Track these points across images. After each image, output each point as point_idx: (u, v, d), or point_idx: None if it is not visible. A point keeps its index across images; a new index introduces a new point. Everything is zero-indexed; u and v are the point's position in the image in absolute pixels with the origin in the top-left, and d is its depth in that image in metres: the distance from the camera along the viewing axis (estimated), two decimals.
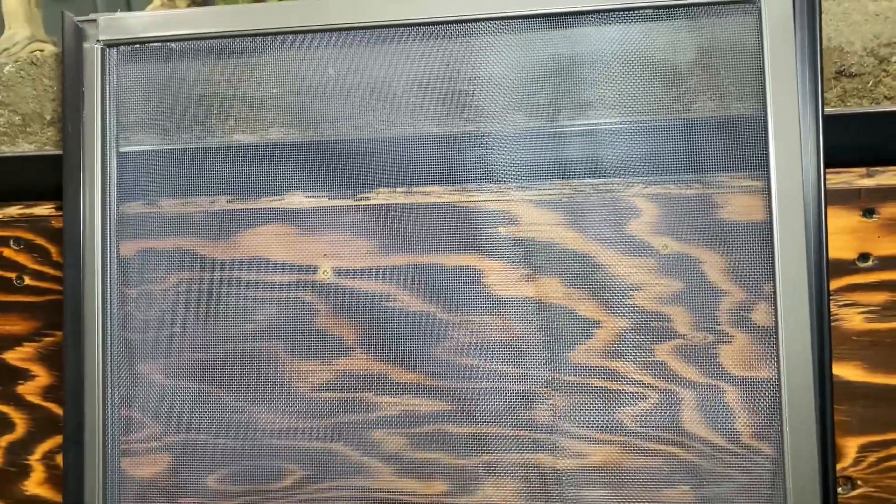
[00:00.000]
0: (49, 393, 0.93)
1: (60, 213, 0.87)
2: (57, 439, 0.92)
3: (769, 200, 0.72)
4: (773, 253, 0.71)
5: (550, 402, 0.78)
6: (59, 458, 0.91)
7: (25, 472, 0.95)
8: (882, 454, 0.81)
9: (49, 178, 0.86)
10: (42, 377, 0.93)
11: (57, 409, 0.91)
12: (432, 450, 0.79)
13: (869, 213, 0.77)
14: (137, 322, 0.83)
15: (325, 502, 0.80)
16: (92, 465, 0.80)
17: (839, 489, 0.79)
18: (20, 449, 0.93)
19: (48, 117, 0.89)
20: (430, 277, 0.79)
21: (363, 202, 0.80)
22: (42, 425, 0.94)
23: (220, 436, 0.81)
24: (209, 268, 0.82)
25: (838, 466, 0.78)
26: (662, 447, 0.76)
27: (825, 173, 0.71)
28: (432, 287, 0.79)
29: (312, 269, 0.81)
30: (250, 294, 0.81)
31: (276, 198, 0.81)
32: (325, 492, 0.80)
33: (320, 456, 0.80)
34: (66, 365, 0.81)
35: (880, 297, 0.78)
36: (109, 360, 0.82)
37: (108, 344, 0.81)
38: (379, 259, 0.80)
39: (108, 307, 0.82)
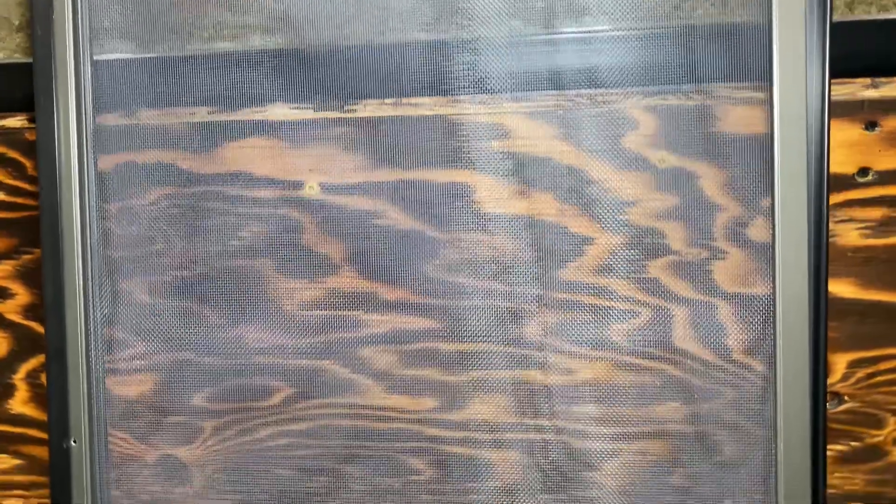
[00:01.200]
0: (30, 311, 0.91)
1: (34, 126, 0.83)
2: (40, 358, 0.90)
3: (771, 112, 0.69)
4: (772, 166, 0.70)
5: (541, 319, 0.77)
6: (44, 377, 0.90)
7: (9, 391, 0.94)
8: (870, 370, 0.81)
9: (20, 87, 0.82)
10: (22, 295, 0.91)
11: (39, 328, 0.90)
12: (422, 367, 0.78)
13: (871, 125, 0.75)
14: (119, 239, 0.80)
15: (315, 419, 0.80)
16: (76, 385, 0.79)
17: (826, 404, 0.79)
18: (3, 368, 0.92)
19: (16, 22, 0.85)
20: (419, 193, 0.77)
21: (350, 114, 0.77)
22: (24, 344, 0.92)
23: (207, 354, 0.80)
24: (191, 182, 0.79)
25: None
26: (654, 364, 0.76)
27: (830, 84, 0.69)
28: (422, 203, 0.77)
29: (298, 185, 0.78)
30: (234, 210, 0.79)
31: (258, 109, 0.78)
32: (314, 409, 0.80)
33: (309, 373, 0.80)
34: (44, 283, 0.79)
35: (877, 213, 0.77)
36: (90, 277, 0.80)
37: (89, 261, 0.79)
38: (367, 174, 0.77)
39: (88, 223, 0.79)
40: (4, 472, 0.95)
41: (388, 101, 0.76)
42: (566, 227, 0.75)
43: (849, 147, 0.75)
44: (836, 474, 0.83)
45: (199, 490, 0.81)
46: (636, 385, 0.76)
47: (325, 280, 0.79)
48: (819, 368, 0.72)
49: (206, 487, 0.81)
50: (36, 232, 0.85)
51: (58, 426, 0.80)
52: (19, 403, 0.94)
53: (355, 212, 0.78)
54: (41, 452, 0.93)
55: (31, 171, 0.87)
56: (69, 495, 0.81)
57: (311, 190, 0.78)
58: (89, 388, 0.80)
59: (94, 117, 0.79)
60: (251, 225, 0.79)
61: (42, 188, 0.79)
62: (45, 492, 0.92)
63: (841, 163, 0.76)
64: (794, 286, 0.71)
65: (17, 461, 0.95)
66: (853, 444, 0.83)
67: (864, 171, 0.76)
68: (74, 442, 0.80)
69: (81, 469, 0.80)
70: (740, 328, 0.74)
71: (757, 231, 0.73)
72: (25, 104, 0.83)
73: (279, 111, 0.78)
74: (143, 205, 0.80)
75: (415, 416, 0.79)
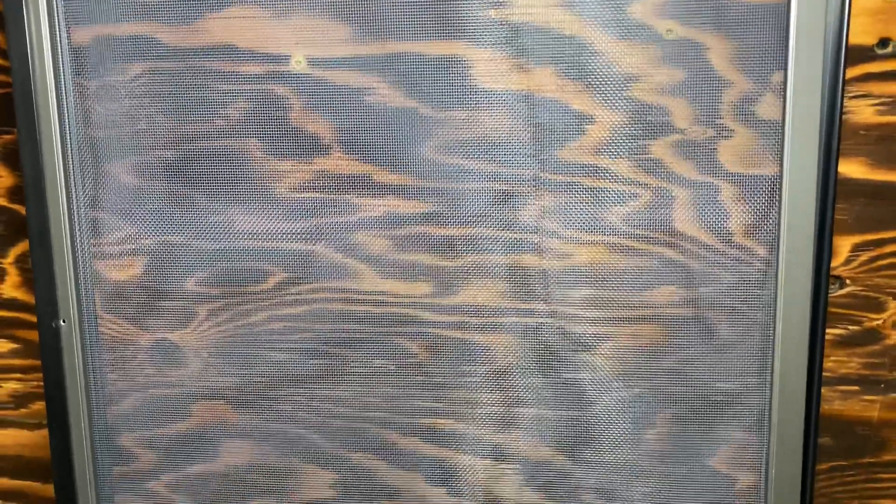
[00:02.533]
0: (15, 194, 0.89)
1: None
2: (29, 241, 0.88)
3: None
4: (787, 37, 0.65)
5: (538, 202, 0.74)
6: None
7: (0, 276, 0.92)
8: (874, 253, 0.79)
9: None
10: (5, 178, 0.89)
11: (25, 211, 0.87)
12: (416, 251, 0.77)
13: None
14: (99, 118, 0.77)
15: (308, 304, 0.79)
16: (62, 266, 0.78)
17: None
18: None
19: None
20: (412, 68, 0.73)
21: None
22: (11, 228, 0.91)
23: (197, 238, 0.78)
24: (172, 57, 0.75)
25: None
26: (653, 247, 0.74)
27: None
28: (415, 79, 0.73)
29: (284, 59, 0.74)
30: (218, 87, 0.75)
31: None
32: (308, 294, 0.79)
33: (301, 258, 0.78)
34: (23, 163, 0.76)
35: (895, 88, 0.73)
36: (70, 158, 0.77)
37: (68, 141, 0.76)
38: (357, 47, 0.73)
39: (64, 101, 0.76)
40: (2, 356, 0.96)
41: None
42: (566, 104, 0.72)
43: (870, 15, 0.71)
44: (832, 357, 0.83)
45: (195, 373, 0.81)
46: (634, 269, 0.75)
47: (314, 161, 0.76)
48: (823, 251, 0.70)
49: (201, 371, 0.81)
50: (12, 111, 0.81)
51: (45, 307, 0.79)
52: (11, 288, 0.93)
53: (345, 88, 0.74)
54: (36, 336, 0.92)
55: (2, 45, 0.83)
56: (61, 376, 0.81)
57: (298, 64, 0.74)
58: (76, 270, 0.79)
59: None
60: (236, 102, 0.75)
61: (13, 63, 0.75)
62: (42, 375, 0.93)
63: (860, 33, 0.71)
64: (802, 166, 0.68)
65: (13, 345, 0.95)
66: (851, 327, 0.82)
67: (884, 42, 0.72)
68: (63, 322, 0.80)
69: (72, 349, 0.80)
70: (744, 210, 0.72)
71: (766, 108, 0.70)
72: None
73: None
74: (123, 81, 0.76)
75: (409, 302, 0.78)
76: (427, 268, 0.77)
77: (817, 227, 0.69)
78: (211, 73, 0.75)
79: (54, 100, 0.75)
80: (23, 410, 0.97)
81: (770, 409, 0.75)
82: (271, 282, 0.79)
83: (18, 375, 0.96)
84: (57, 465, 0.83)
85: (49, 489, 0.98)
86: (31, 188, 0.77)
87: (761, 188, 0.71)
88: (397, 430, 0.81)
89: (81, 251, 0.79)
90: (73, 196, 0.78)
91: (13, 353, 0.96)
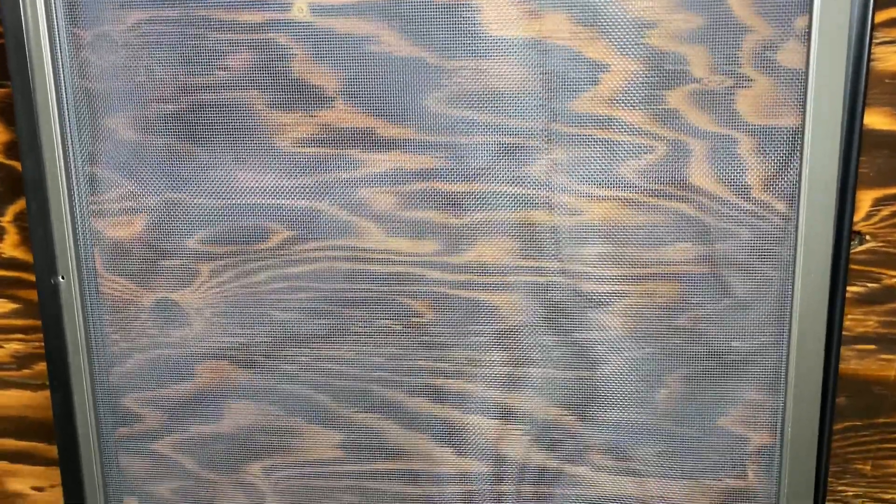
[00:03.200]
0: (11, 150, 0.87)
1: None
2: None
3: None
4: None
5: (550, 155, 0.72)
6: None
7: None
8: None
9: None
10: (1, 133, 0.87)
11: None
12: (423, 208, 0.74)
13: None
14: (95, 70, 0.74)
15: (312, 263, 0.77)
16: (60, 223, 0.76)
17: None
18: None
19: None
20: (419, 15, 0.70)
21: None
22: (9, 185, 0.89)
23: (198, 195, 0.76)
24: (170, 5, 0.72)
25: None
26: (668, 202, 0.72)
27: None
28: (422, 26, 0.70)
29: (286, 6, 0.71)
30: (218, 36, 0.72)
31: None
32: (312, 252, 0.77)
33: (305, 215, 0.76)
34: (17, 116, 0.74)
35: None
36: (66, 112, 0.74)
37: (63, 94, 0.74)
38: None
39: (59, 52, 0.73)
40: (3, 315, 0.94)
41: None
42: (580, 52, 0.69)
43: None
44: (849, 316, 0.81)
45: (198, 333, 0.80)
46: (649, 225, 0.72)
47: (317, 114, 0.73)
48: (846, 206, 0.67)
49: (204, 331, 0.80)
50: (5, 63, 0.79)
51: (44, 263, 0.77)
52: (10, 246, 0.92)
53: (349, 37, 0.71)
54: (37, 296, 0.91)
55: None
56: (62, 334, 0.79)
57: (300, 12, 0.71)
58: (74, 226, 0.77)
59: None
60: (237, 52, 0.72)
61: (4, 12, 0.72)
62: None
63: None
64: (826, 116, 0.65)
65: (14, 305, 0.94)
66: (870, 285, 0.80)
67: None
68: (62, 278, 0.78)
69: (72, 307, 0.78)
70: (763, 163, 0.69)
71: (788, 55, 0.67)
72: None
73: None
74: (119, 31, 0.73)
75: (415, 260, 0.76)
76: (434, 225, 0.75)
77: (840, 181, 0.67)
78: (211, 21, 0.72)
79: (48, 51, 0.73)
80: (25, 371, 0.97)
81: (787, 369, 0.73)
82: (275, 240, 0.77)
83: (20, 336, 0.95)
84: (59, 424, 0.82)
85: (53, 450, 0.97)
86: (26, 143, 0.75)
87: (782, 140, 0.69)
88: (404, 391, 0.79)
89: (80, 208, 0.77)
90: (70, 151, 0.75)
91: (14, 314, 0.95)
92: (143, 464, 0.84)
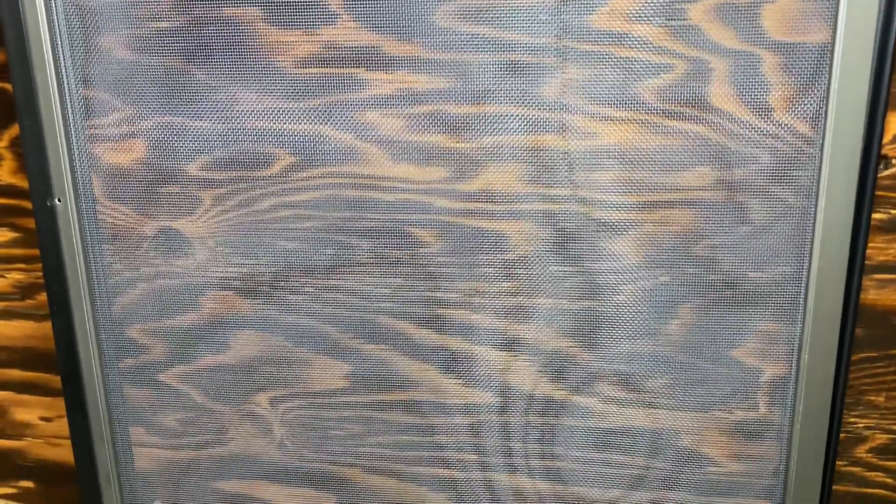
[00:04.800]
0: (4, 72, 0.84)
1: None
2: None
3: None
4: None
5: (563, 74, 0.68)
6: None
7: None
8: None
9: None
10: None
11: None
12: (431, 132, 0.72)
13: None
14: None
15: (317, 189, 0.75)
16: (54, 143, 0.73)
17: None
18: None
19: None
20: None
21: None
22: (3, 109, 0.86)
23: (197, 118, 0.73)
24: None
25: None
26: (687, 124, 0.68)
27: None
28: None
29: None
30: None
31: None
32: (316, 179, 0.74)
33: (309, 140, 0.73)
34: (5, 33, 0.71)
35: None
36: (57, 29, 0.71)
37: (53, 10, 0.71)
38: None
39: None
40: (4, 244, 0.93)
41: None
42: None
43: None
44: (870, 244, 0.78)
45: (201, 263, 0.78)
46: (666, 148, 0.69)
47: (320, 31, 0.70)
48: (875, 128, 0.64)
49: (207, 260, 0.78)
50: None
51: (39, 186, 0.75)
52: (7, 173, 0.90)
53: None
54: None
55: None
56: (60, 260, 0.77)
57: None
58: (69, 149, 0.74)
59: None
60: None
61: None
62: None
63: None
64: (858, 32, 0.62)
65: (14, 234, 0.93)
66: (893, 212, 0.77)
67: None
68: (59, 200, 0.76)
69: (70, 230, 0.76)
70: (789, 83, 0.66)
71: None
72: None
73: None
74: None
75: (423, 187, 0.73)
76: (442, 150, 0.72)
77: (870, 100, 0.63)
78: None
79: None
80: (29, 301, 0.95)
81: (806, 299, 0.71)
82: (278, 166, 0.75)
83: (21, 265, 0.94)
84: (61, 352, 0.81)
85: (59, 380, 0.97)
86: (15, 61, 0.72)
87: (809, 57, 0.65)
88: (410, 321, 0.78)
89: (75, 131, 0.74)
90: (63, 71, 0.72)
91: (15, 243, 0.93)
92: (148, 394, 0.83)
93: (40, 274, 0.93)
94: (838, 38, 0.63)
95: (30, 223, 0.91)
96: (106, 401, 0.82)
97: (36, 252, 0.92)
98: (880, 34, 0.62)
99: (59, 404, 1.00)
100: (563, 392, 0.78)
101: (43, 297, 0.95)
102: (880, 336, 0.82)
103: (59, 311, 0.79)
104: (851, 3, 0.62)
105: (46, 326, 0.96)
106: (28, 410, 1.01)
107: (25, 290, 0.95)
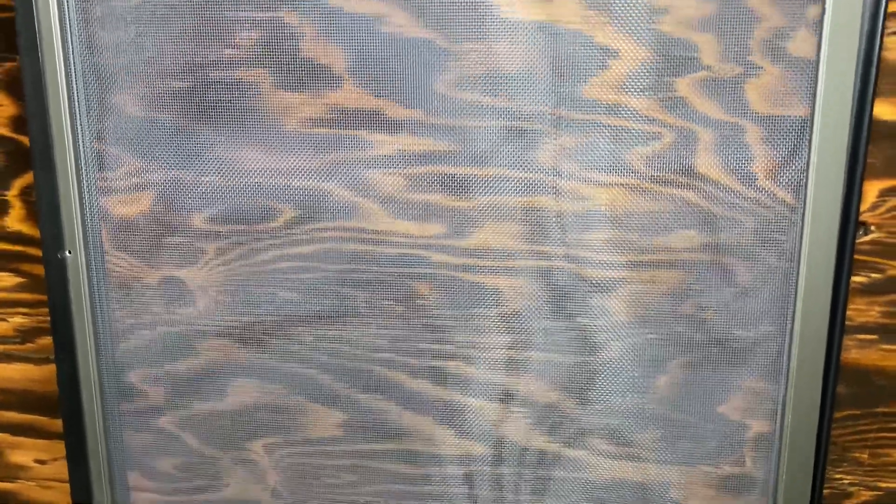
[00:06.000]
0: (19, 125, 0.87)
1: None
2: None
3: None
4: None
5: (557, 140, 0.72)
6: None
7: (4, 208, 0.91)
8: None
9: None
10: (7, 106, 0.87)
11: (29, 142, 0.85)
12: (429, 191, 0.75)
13: None
14: (104, 45, 0.74)
15: (318, 243, 0.77)
16: (67, 198, 0.76)
17: None
18: None
19: None
20: None
21: None
22: (15, 158, 0.89)
23: (205, 173, 0.76)
24: None
25: None
26: (674, 190, 0.72)
27: None
28: (432, 7, 0.70)
29: None
30: (228, 14, 0.72)
31: None
32: (318, 232, 0.77)
33: (312, 196, 0.76)
34: (25, 92, 0.74)
35: None
36: (75, 87, 0.74)
37: (72, 69, 0.74)
38: None
39: (68, 27, 0.73)
40: (7, 289, 0.95)
41: None
42: (590, 37, 0.69)
43: None
44: (851, 306, 0.81)
45: (203, 311, 0.80)
46: (655, 212, 0.72)
47: (326, 95, 0.73)
48: (853, 196, 0.67)
49: (209, 309, 0.80)
50: (14, 37, 0.78)
51: (51, 238, 0.78)
52: (16, 221, 0.92)
53: (358, 17, 0.71)
54: (41, 270, 0.91)
55: None
56: (68, 309, 0.79)
57: None
58: (81, 202, 0.77)
59: None
60: (246, 30, 0.72)
61: None
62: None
63: None
64: (835, 106, 0.65)
65: (19, 279, 0.94)
66: (873, 275, 0.80)
67: None
68: (69, 253, 0.78)
69: (79, 282, 0.79)
70: (771, 153, 0.69)
71: (799, 45, 0.66)
72: None
73: None
74: (128, 6, 0.73)
75: (421, 242, 0.76)
76: (440, 208, 0.75)
77: (847, 171, 0.67)
78: None
79: (57, 25, 0.73)
80: (29, 345, 0.97)
81: (789, 357, 0.73)
82: (281, 220, 0.77)
83: (24, 310, 0.95)
84: (64, 399, 0.83)
85: (57, 423, 0.98)
86: (34, 117, 0.75)
87: (790, 130, 0.69)
88: (406, 372, 0.80)
89: (87, 183, 0.77)
90: (79, 127, 0.75)
91: (19, 287, 0.95)
92: (147, 439, 0.85)
93: (42, 318, 0.95)
94: (817, 112, 0.66)
95: (35, 269, 0.93)
96: (106, 444, 0.83)
97: (38, 297, 0.94)
98: (856, 108, 0.66)
99: (55, 447, 1.01)
100: (554, 444, 0.80)
101: (43, 340, 0.96)
102: (863, 394, 0.85)
103: (65, 360, 0.80)
104: (829, 80, 0.65)
105: (46, 370, 0.97)
106: (23, 453, 1.02)
107: (27, 334, 0.97)
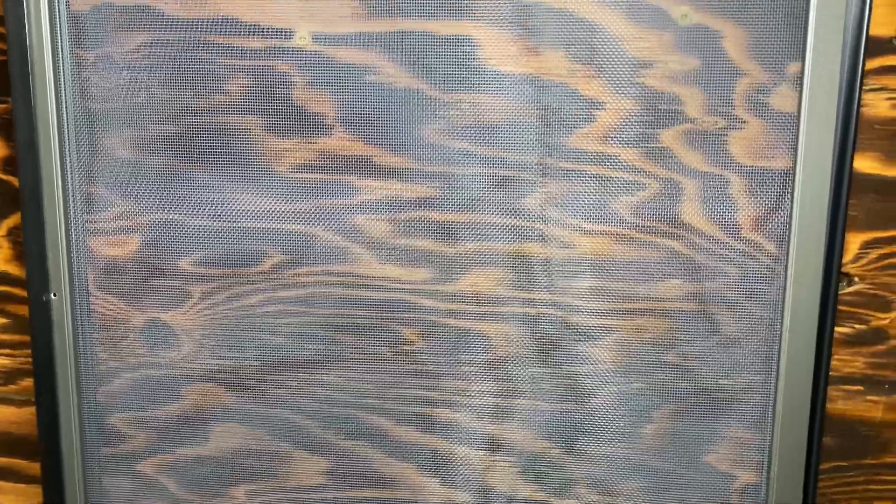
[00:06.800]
0: (9, 165, 0.87)
1: None
2: None
3: None
4: (806, 26, 0.64)
5: (544, 188, 0.73)
6: None
7: None
8: (884, 251, 0.78)
9: None
10: None
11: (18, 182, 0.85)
12: (417, 236, 0.75)
13: None
14: (97, 89, 0.75)
15: (306, 287, 0.77)
16: (55, 241, 0.76)
17: None
18: None
19: None
20: (419, 47, 0.71)
21: None
22: (4, 199, 0.89)
23: (194, 216, 0.77)
24: (174, 28, 0.73)
25: None
26: (659, 239, 0.72)
27: None
28: (422, 58, 0.71)
29: (288, 34, 0.72)
30: (220, 61, 0.73)
31: None
32: (305, 276, 0.77)
33: (300, 240, 0.76)
34: (17, 132, 0.75)
35: None
36: (66, 129, 0.75)
37: (64, 112, 0.74)
38: (363, 24, 0.71)
39: (61, 71, 0.74)
40: None
41: None
42: (576, 89, 0.70)
43: (889, 6, 0.69)
44: (836, 356, 0.81)
45: (187, 355, 0.80)
46: (640, 260, 0.73)
47: (316, 141, 0.74)
48: (835, 248, 0.68)
49: (193, 353, 0.80)
50: (7, 79, 0.79)
51: (37, 280, 0.77)
52: (2, 261, 0.92)
53: (349, 66, 0.72)
54: (27, 311, 0.91)
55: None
56: (51, 351, 0.79)
57: (302, 40, 0.72)
58: (69, 244, 0.77)
59: None
60: (238, 77, 0.73)
61: (9, 30, 0.73)
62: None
63: (879, 24, 0.69)
64: (816, 160, 0.67)
65: (3, 320, 0.94)
66: (857, 326, 0.81)
67: None
68: (54, 295, 0.78)
69: (63, 324, 0.78)
70: (754, 204, 0.70)
71: (781, 99, 0.68)
72: None
73: None
74: (122, 52, 0.74)
75: (408, 287, 0.76)
76: (427, 253, 0.76)
77: (829, 223, 0.68)
78: (213, 46, 0.73)
79: (51, 69, 0.73)
80: (11, 386, 0.96)
81: (774, 407, 0.73)
82: (268, 263, 0.77)
83: (7, 351, 0.95)
84: (44, 442, 0.81)
85: (36, 467, 0.96)
86: (24, 158, 0.75)
87: (773, 182, 0.70)
88: (392, 418, 0.79)
89: (75, 225, 0.77)
90: (68, 168, 0.76)
91: (2, 329, 0.94)
92: (127, 484, 0.84)
93: (26, 360, 0.94)
94: (799, 165, 0.68)
95: (19, 310, 0.93)
96: (84, 490, 0.82)
97: (22, 338, 0.93)
98: (836, 162, 0.67)
99: (34, 491, 0.99)
100: (540, 493, 0.79)
101: (26, 382, 0.95)
102: (850, 446, 0.84)
103: (45, 403, 0.80)
104: (810, 134, 0.67)
105: (27, 412, 0.96)
106: (1, 497, 1.00)
107: (9, 376, 0.96)
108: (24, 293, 0.90)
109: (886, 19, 0.70)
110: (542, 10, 0.69)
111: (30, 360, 0.92)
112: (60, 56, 0.74)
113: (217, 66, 0.73)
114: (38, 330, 0.79)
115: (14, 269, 0.91)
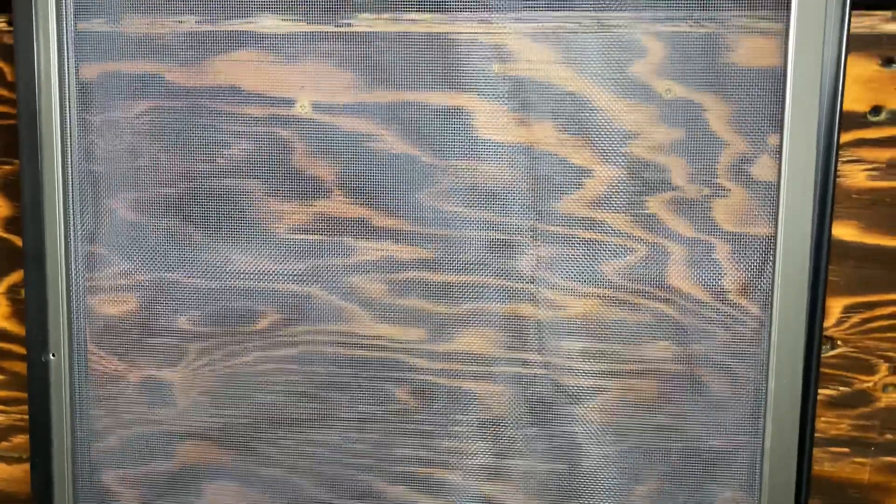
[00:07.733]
0: (11, 224, 0.89)
1: (12, 29, 0.79)
2: (22, 272, 0.88)
3: (786, 43, 0.66)
4: (783, 101, 0.67)
5: (535, 252, 0.75)
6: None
7: None
8: (865, 315, 0.80)
9: None
10: (2, 207, 0.89)
11: (20, 242, 0.87)
12: (411, 297, 0.77)
13: (888, 62, 0.72)
14: (101, 153, 0.77)
15: (301, 346, 0.79)
16: (55, 298, 0.77)
17: None
18: None
19: None
20: (415, 116, 0.74)
21: (344, 28, 0.73)
22: (5, 257, 0.90)
23: (192, 276, 0.78)
24: (178, 96, 0.76)
25: None
26: (647, 302, 0.74)
27: (850, 15, 0.65)
28: (417, 127, 0.74)
29: (289, 102, 0.75)
30: (222, 127, 0.76)
31: (248, 20, 0.74)
32: (301, 335, 0.78)
33: (296, 299, 0.78)
34: (22, 193, 0.77)
35: (887, 154, 0.74)
36: (70, 191, 0.77)
37: (69, 174, 0.77)
38: (361, 94, 0.74)
39: (68, 134, 0.76)
40: None
41: (384, 15, 0.73)
42: (565, 158, 0.73)
43: (862, 83, 0.73)
44: (822, 419, 0.83)
45: (183, 412, 0.80)
46: (628, 323, 0.75)
47: (314, 204, 0.76)
48: (816, 312, 0.70)
49: (189, 410, 0.80)
50: (16, 141, 0.82)
51: (36, 339, 0.79)
52: (1, 318, 0.93)
53: (348, 133, 0.75)
54: (23, 368, 0.91)
55: (10, 78, 0.83)
56: (48, 411, 0.79)
57: (303, 109, 0.75)
58: (69, 304, 0.78)
59: (74, 21, 0.75)
60: (239, 143, 0.76)
61: (20, 95, 0.75)
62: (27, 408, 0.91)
63: (853, 100, 0.73)
64: (796, 227, 0.69)
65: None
66: (842, 388, 0.82)
67: (876, 109, 0.74)
68: (53, 356, 0.79)
69: (60, 384, 0.79)
70: (738, 269, 0.73)
71: (761, 169, 0.71)
72: (3, 5, 0.79)
73: (270, 23, 0.74)
74: (127, 117, 0.77)
75: (403, 347, 0.78)
76: (422, 313, 0.77)
77: (810, 288, 0.70)
78: (215, 113, 0.76)
79: (58, 132, 0.76)
80: (4, 443, 0.96)
81: (761, 470, 0.74)
82: (264, 322, 0.79)
83: (1, 407, 0.95)
84: (37, 500, 0.81)
85: None
86: (29, 219, 0.77)
87: (755, 247, 0.72)
88: (385, 478, 0.80)
89: (76, 285, 0.78)
90: (71, 229, 0.78)
91: None
92: None
93: (20, 416, 0.94)
94: (780, 232, 0.70)
95: (15, 367, 0.93)
96: None
97: (17, 395, 0.94)
98: (815, 230, 0.70)
99: None
100: None
101: (19, 439, 0.95)
102: None
103: (40, 463, 0.80)
104: (790, 202, 0.69)
105: (19, 469, 0.96)
106: None
107: (3, 432, 0.96)
108: (20, 350, 0.91)
109: (861, 95, 0.73)
110: (533, 83, 0.72)
111: (24, 416, 0.92)
112: (68, 120, 0.76)
113: (219, 132, 0.76)
114: (35, 390, 0.80)
115: (12, 327, 0.92)
